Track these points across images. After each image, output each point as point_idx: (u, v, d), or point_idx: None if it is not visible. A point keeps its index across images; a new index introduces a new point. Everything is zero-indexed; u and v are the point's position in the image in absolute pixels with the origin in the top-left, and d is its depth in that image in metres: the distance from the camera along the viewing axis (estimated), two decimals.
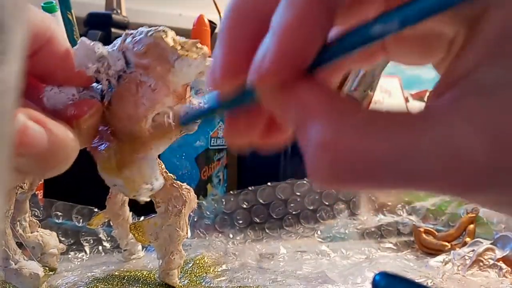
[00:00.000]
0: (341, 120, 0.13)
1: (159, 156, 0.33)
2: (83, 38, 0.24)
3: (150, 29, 0.23)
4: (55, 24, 0.22)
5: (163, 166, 0.33)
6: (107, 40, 0.52)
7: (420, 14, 0.12)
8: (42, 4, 0.45)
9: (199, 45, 0.24)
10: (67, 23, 0.48)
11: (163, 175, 0.33)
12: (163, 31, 0.23)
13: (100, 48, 0.24)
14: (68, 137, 0.20)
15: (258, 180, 0.53)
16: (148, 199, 0.26)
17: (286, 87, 0.14)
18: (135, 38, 0.24)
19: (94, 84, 0.25)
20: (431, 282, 0.35)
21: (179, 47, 0.23)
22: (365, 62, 0.19)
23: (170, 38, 0.23)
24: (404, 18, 0.12)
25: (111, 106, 0.24)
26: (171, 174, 0.33)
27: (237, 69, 0.15)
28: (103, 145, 0.25)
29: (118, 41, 0.24)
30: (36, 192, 0.43)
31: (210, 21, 0.54)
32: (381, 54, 0.19)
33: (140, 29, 0.24)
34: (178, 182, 0.33)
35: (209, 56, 0.24)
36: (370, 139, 0.12)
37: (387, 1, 0.16)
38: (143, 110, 0.24)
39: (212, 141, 0.53)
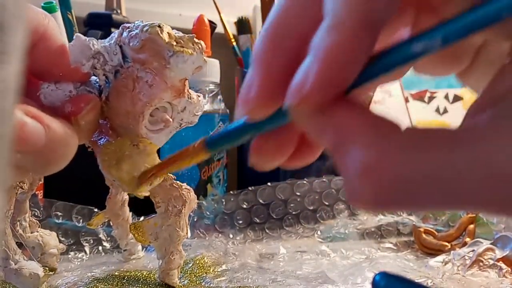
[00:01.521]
0: (383, 143, 0.12)
1: (159, 157, 0.33)
2: (78, 34, 0.24)
3: (145, 24, 0.23)
4: (50, 21, 0.22)
5: None
6: None
7: (463, 31, 0.12)
8: (42, 4, 0.45)
9: (195, 40, 0.24)
10: (67, 23, 0.48)
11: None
12: (159, 26, 0.23)
13: (96, 44, 0.24)
14: (66, 133, 0.20)
15: (258, 180, 0.53)
16: (148, 194, 0.26)
17: (324, 109, 0.14)
18: (131, 33, 0.23)
19: (93, 78, 0.25)
20: (431, 282, 0.35)
21: (174, 43, 0.23)
22: (393, 76, 0.19)
23: (166, 33, 0.23)
24: (447, 35, 0.12)
25: (109, 101, 0.24)
26: (171, 174, 0.33)
27: (274, 91, 0.14)
28: (103, 139, 0.25)
29: (115, 34, 0.24)
30: (36, 192, 0.43)
31: (210, 21, 0.54)
32: (408, 66, 0.19)
33: (136, 22, 0.24)
34: (178, 182, 0.33)
35: (206, 52, 0.24)
36: (414, 161, 0.12)
37: (417, 19, 0.16)
38: (141, 106, 0.24)
39: None
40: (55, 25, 0.22)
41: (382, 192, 0.12)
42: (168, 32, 0.23)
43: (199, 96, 0.26)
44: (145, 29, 0.23)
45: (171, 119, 0.25)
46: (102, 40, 0.24)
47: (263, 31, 0.15)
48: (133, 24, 0.24)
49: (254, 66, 0.15)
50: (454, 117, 0.90)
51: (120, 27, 0.24)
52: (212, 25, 0.55)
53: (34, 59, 0.22)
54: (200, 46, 0.24)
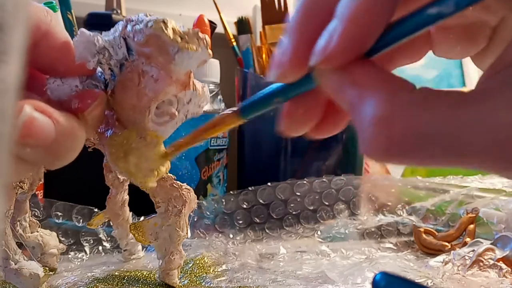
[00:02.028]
0: (396, 96, 0.14)
1: None
2: (82, 30, 0.23)
3: (150, 19, 0.23)
4: (52, 17, 0.22)
5: None
6: None
7: None
8: (42, 4, 0.45)
9: (200, 34, 0.23)
10: (67, 23, 0.48)
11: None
12: (163, 22, 0.23)
13: (100, 40, 0.23)
14: (74, 126, 0.20)
15: (258, 180, 0.53)
16: (155, 185, 0.26)
17: (344, 68, 0.15)
18: (135, 27, 0.23)
19: (98, 70, 0.25)
20: (431, 282, 0.35)
21: (179, 39, 0.23)
22: (413, 57, 0.21)
23: (170, 29, 0.23)
24: (459, 0, 0.13)
25: (115, 94, 0.24)
26: (171, 174, 0.33)
27: (304, 55, 0.16)
28: (110, 131, 0.25)
29: (119, 26, 0.24)
30: (36, 192, 0.43)
31: (210, 21, 0.54)
32: (427, 48, 0.20)
33: (141, 16, 0.24)
34: (178, 182, 0.33)
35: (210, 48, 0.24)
36: (425, 114, 0.13)
37: None
38: (146, 101, 0.24)
39: (212, 141, 0.54)
40: (58, 22, 0.22)
41: (393, 142, 0.13)
42: (172, 28, 0.23)
43: (204, 87, 0.26)
44: (149, 24, 0.23)
45: (176, 113, 0.25)
46: (106, 32, 0.24)
47: (298, 3, 0.17)
48: (136, 17, 0.24)
49: (288, 34, 0.17)
50: None
51: (124, 20, 0.24)
52: (212, 25, 0.55)
53: (38, 56, 0.22)
54: (205, 42, 0.23)
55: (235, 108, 0.20)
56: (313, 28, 0.16)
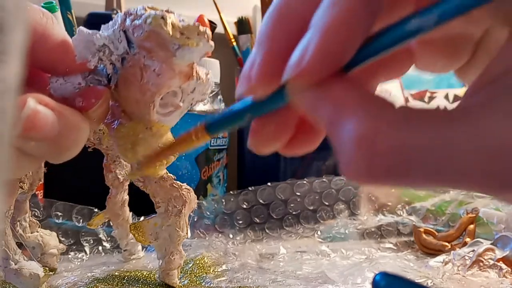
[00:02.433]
0: (378, 116, 0.13)
1: None
2: (81, 29, 0.23)
3: (148, 14, 0.22)
4: (48, 18, 0.22)
5: None
6: None
7: (457, 9, 0.12)
8: (42, 4, 0.45)
9: (201, 28, 0.23)
10: (67, 23, 0.48)
11: (163, 175, 0.33)
12: (162, 18, 0.22)
13: (100, 38, 0.23)
14: (78, 119, 0.20)
15: (258, 180, 0.53)
16: (164, 172, 0.26)
17: (320, 85, 0.14)
18: (134, 23, 0.23)
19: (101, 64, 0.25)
20: (431, 282, 0.35)
21: (179, 35, 0.22)
22: (394, 72, 0.19)
23: (170, 25, 0.22)
24: (442, 13, 0.12)
25: (118, 88, 0.24)
26: (171, 174, 0.33)
27: (275, 69, 0.15)
28: (116, 122, 0.25)
29: (118, 19, 0.24)
30: (36, 192, 0.43)
31: (210, 21, 0.54)
32: (409, 62, 0.19)
33: (139, 9, 0.23)
34: (178, 182, 0.33)
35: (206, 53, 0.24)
36: (408, 134, 0.12)
37: (418, 3, 0.16)
38: (150, 96, 0.23)
39: (212, 141, 0.54)
40: (54, 22, 0.22)
41: (375, 162, 0.12)
42: (172, 23, 0.22)
43: (208, 74, 0.26)
44: (148, 21, 0.22)
45: (181, 104, 0.25)
46: (106, 25, 0.24)
47: (268, 13, 0.15)
48: (135, 10, 0.23)
49: (257, 45, 0.15)
50: None
51: (123, 13, 0.24)
52: (212, 25, 0.55)
53: (37, 58, 0.22)
54: (206, 35, 0.23)
55: (202, 124, 0.19)
56: (285, 38, 0.15)
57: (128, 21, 0.23)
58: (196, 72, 0.25)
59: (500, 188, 0.12)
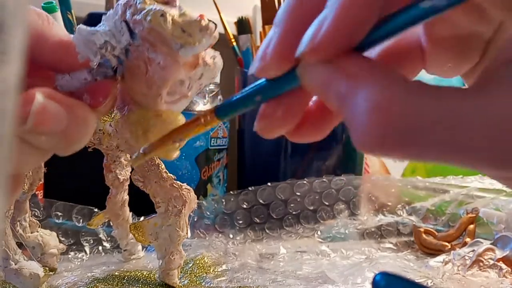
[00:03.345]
0: (392, 86, 0.13)
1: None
2: (80, 27, 0.23)
3: (147, 10, 0.22)
4: (44, 21, 0.22)
5: (163, 166, 0.33)
6: None
7: None
8: (42, 4, 0.45)
9: (203, 23, 0.23)
10: (67, 23, 0.48)
11: (163, 175, 0.33)
12: (162, 15, 0.21)
13: (100, 37, 0.23)
14: (86, 112, 0.20)
15: (258, 180, 0.53)
16: (178, 154, 0.26)
17: (333, 60, 0.14)
18: (134, 18, 0.22)
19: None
20: (431, 282, 0.35)
21: (180, 32, 0.22)
22: (405, 73, 0.20)
23: (170, 22, 0.22)
24: None
25: (125, 78, 0.24)
26: (171, 174, 0.33)
27: (290, 49, 0.15)
28: (126, 108, 0.25)
29: (118, 9, 0.23)
30: (36, 192, 0.43)
31: (210, 21, 0.53)
32: (420, 65, 0.19)
33: (138, 1, 0.22)
34: (178, 182, 0.33)
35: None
36: (422, 104, 0.13)
37: None
38: (156, 89, 0.23)
39: (212, 141, 0.54)
40: (51, 22, 0.22)
41: (389, 131, 0.13)
42: (173, 20, 0.22)
43: (215, 58, 0.25)
44: (147, 18, 0.22)
45: (189, 93, 0.25)
46: (106, 15, 0.23)
47: None
48: (135, 1, 0.23)
49: (274, 26, 0.16)
50: None
51: (122, 3, 0.23)
52: None
53: (38, 60, 0.22)
54: (208, 30, 0.23)
55: (211, 108, 0.19)
56: (301, 19, 0.15)
57: (128, 14, 0.23)
58: (202, 59, 0.24)
59: (503, 163, 0.12)
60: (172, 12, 0.22)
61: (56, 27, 0.22)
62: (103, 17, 0.23)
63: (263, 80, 0.17)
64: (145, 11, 0.22)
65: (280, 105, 0.17)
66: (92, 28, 0.23)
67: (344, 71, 0.14)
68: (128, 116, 0.25)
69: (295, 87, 0.16)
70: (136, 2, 0.22)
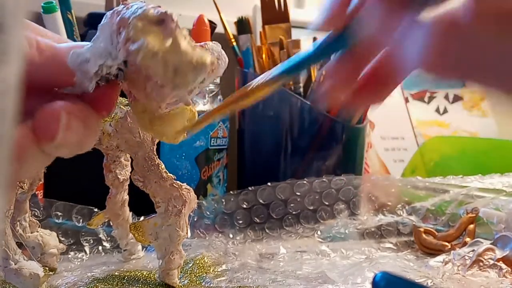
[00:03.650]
0: (450, 11, 0.16)
1: (159, 156, 0.33)
2: (73, 54, 0.21)
3: (139, 45, 0.20)
4: (32, 45, 0.20)
5: (163, 166, 0.33)
6: None
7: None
8: (42, 4, 0.45)
9: (197, 61, 0.21)
10: (67, 23, 0.48)
11: (163, 175, 0.33)
12: (153, 55, 0.20)
13: (95, 63, 0.21)
14: (96, 120, 0.21)
15: (258, 180, 0.53)
16: (185, 137, 0.26)
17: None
18: (128, 46, 0.21)
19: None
20: (431, 282, 0.35)
21: (172, 74, 0.21)
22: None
23: (161, 64, 0.21)
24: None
25: (127, 82, 0.23)
26: (171, 174, 0.33)
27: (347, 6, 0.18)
28: (132, 96, 0.25)
29: (113, 22, 0.21)
30: (36, 192, 0.43)
31: (210, 21, 0.53)
32: None
33: (131, 25, 0.21)
34: (178, 182, 0.33)
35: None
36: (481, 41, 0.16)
37: None
38: (155, 104, 0.23)
39: (212, 141, 0.53)
40: (40, 45, 0.21)
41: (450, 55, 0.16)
42: (165, 60, 0.21)
43: (214, 63, 0.24)
44: (139, 56, 0.20)
45: (190, 100, 0.25)
46: (102, 25, 0.22)
47: None
48: (129, 22, 0.22)
49: None
50: (454, 117, 0.90)
51: (117, 22, 0.21)
52: (212, 25, 0.55)
53: (34, 83, 0.21)
54: (204, 67, 0.21)
55: (269, 76, 0.21)
56: None
57: (123, 36, 0.21)
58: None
59: None
60: (166, 52, 0.21)
61: (45, 45, 0.21)
62: (99, 27, 0.22)
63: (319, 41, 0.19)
64: (138, 45, 0.21)
65: (339, 69, 0.19)
66: (86, 48, 0.21)
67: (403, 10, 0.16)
68: (134, 105, 0.25)
69: (347, 47, 0.18)
70: (130, 25, 0.21)
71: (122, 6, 0.22)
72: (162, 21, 0.21)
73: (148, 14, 0.21)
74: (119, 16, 0.22)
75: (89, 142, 0.21)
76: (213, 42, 0.25)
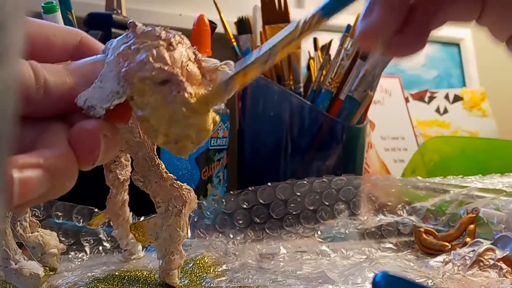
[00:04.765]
0: None
1: (159, 157, 0.33)
2: (81, 98, 0.21)
3: (141, 116, 0.21)
4: (31, 77, 0.20)
5: (163, 166, 0.33)
6: (107, 40, 0.52)
7: None
8: (42, 4, 0.45)
9: (193, 121, 0.21)
10: (67, 23, 0.48)
11: (163, 175, 0.33)
12: (154, 130, 0.21)
13: (103, 106, 0.21)
14: (67, 165, 0.21)
15: (258, 180, 0.53)
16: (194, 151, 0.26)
17: None
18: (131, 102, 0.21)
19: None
20: (431, 282, 0.35)
21: (172, 144, 0.21)
22: (460, 14, 0.22)
23: (160, 134, 0.21)
24: None
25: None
26: (171, 174, 0.33)
27: None
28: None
29: (117, 64, 0.21)
30: None
31: (210, 21, 0.53)
32: (477, 10, 0.22)
33: (130, 90, 0.21)
34: (178, 182, 0.33)
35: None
36: None
37: None
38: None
39: (212, 141, 0.54)
40: (47, 87, 0.20)
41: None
42: (164, 133, 0.21)
43: (213, 74, 0.25)
44: (140, 126, 0.21)
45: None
46: (102, 75, 0.21)
47: None
48: (132, 79, 0.21)
49: None
50: (454, 117, 0.91)
51: (116, 57, 0.21)
52: (212, 25, 0.55)
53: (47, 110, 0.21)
54: (203, 132, 0.21)
55: (314, 13, 0.21)
56: None
57: (123, 70, 0.21)
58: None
59: None
60: (158, 115, 0.21)
61: (54, 84, 0.20)
62: (106, 61, 0.22)
63: None
64: (139, 115, 0.21)
65: (382, 7, 0.20)
66: (93, 89, 0.21)
67: None
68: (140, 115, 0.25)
69: None
70: (134, 84, 0.21)
71: (130, 38, 0.22)
72: (166, 82, 0.21)
73: (153, 75, 0.20)
74: (126, 63, 0.21)
75: (64, 186, 0.21)
76: (225, 62, 0.25)
